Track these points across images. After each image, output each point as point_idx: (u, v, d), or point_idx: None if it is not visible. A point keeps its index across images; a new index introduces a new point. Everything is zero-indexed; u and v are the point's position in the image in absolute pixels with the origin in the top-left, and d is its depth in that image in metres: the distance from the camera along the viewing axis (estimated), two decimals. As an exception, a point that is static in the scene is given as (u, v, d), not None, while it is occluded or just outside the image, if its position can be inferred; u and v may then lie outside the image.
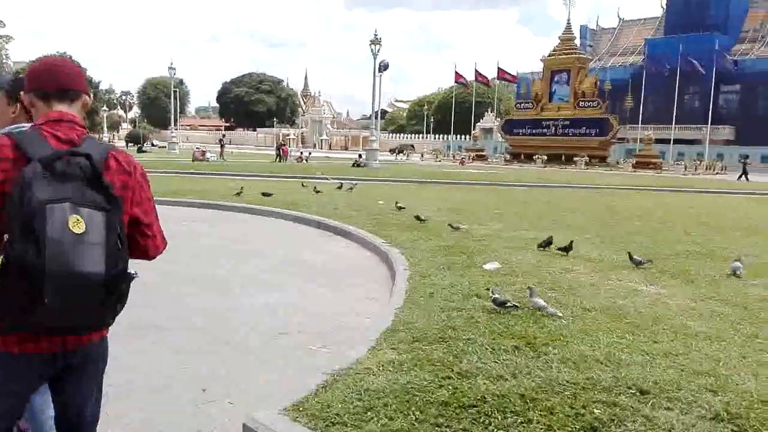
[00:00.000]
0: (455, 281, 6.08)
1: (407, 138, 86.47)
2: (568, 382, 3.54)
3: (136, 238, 1.95)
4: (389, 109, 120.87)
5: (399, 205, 12.50)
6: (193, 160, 32.77)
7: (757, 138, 59.22)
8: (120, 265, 1.75)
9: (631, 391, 3.46)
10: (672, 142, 55.39)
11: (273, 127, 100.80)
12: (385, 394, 3.32)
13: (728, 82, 63.01)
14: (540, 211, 13.33)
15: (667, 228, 11.05)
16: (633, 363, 3.90)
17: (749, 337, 4.61)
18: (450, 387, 3.43)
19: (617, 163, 51.33)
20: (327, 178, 23.29)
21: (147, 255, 2.00)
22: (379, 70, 34.57)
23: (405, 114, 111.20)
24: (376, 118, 36.06)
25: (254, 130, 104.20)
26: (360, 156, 33.91)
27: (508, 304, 5.00)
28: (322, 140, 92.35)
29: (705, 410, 3.26)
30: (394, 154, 60.30)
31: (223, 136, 46.69)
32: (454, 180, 24.34)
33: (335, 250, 8.93)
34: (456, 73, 67.37)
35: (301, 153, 40.74)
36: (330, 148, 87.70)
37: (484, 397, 3.29)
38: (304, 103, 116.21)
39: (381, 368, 3.72)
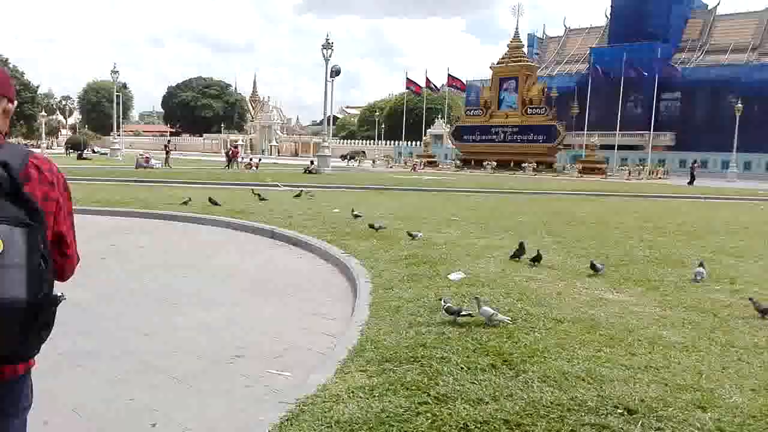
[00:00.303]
0: (420, 293, 5.81)
1: (358, 144, 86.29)
2: (552, 403, 3.31)
3: (55, 257, 1.68)
4: (340, 115, 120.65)
5: (355, 212, 12.20)
6: (136, 167, 31.65)
7: (695, 144, 61.68)
8: (45, 288, 1.52)
9: (618, 410, 3.25)
10: (616, 148, 56.86)
11: (221, 132, 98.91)
12: (358, 426, 3.01)
13: (669, 90, 65.12)
14: (495, 218, 13.24)
15: (622, 233, 11.09)
16: (615, 379, 3.70)
17: (724, 346, 4.50)
18: (428, 414, 3.14)
19: (564, 168, 52.35)
20: (278, 186, 22.80)
21: (62, 277, 1.75)
22: (331, 76, 34.26)
23: (356, 120, 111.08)
24: (328, 123, 35.68)
25: (201, 136, 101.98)
26: (312, 162, 33.44)
27: (463, 312, 4.84)
28: (271, 146, 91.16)
29: (698, 429, 3.07)
30: (346, 160, 59.95)
31: (169, 141, 45.23)
32: (409, 186, 24.19)
33: (290, 261, 8.54)
34: (407, 79, 67.45)
35: (251, 159, 39.84)
36: (279, 154, 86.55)
37: (467, 425, 3.02)
38: (253, 108, 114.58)
39: (351, 395, 3.40)
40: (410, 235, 9.29)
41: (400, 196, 19.26)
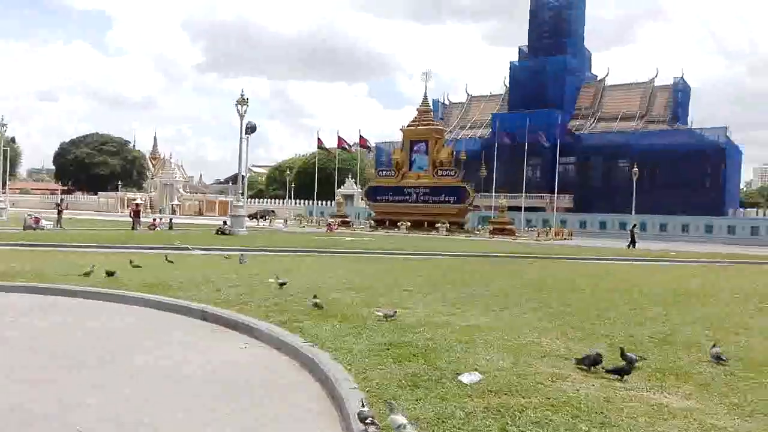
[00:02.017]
0: (440, 410, 4.34)
1: (267, 203, 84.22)
2: None
3: None
4: (247, 174, 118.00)
5: (280, 280, 10.65)
6: (24, 229, 28.13)
7: (592, 206, 64.79)
8: None
9: None
10: (523, 209, 58.32)
11: (118, 190, 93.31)
12: None
13: (566, 155, 68.09)
14: (450, 286, 11.94)
15: (600, 305, 10.00)
16: None
17: None
18: None
19: (474, 229, 52.77)
20: (189, 248, 20.68)
21: None
22: (246, 132, 32.61)
23: (263, 179, 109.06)
24: (242, 181, 33.77)
25: (95, 194, 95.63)
26: (224, 223, 31.19)
27: (368, 420, 4.06)
28: (173, 205, 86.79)
29: None
30: (256, 219, 57.64)
31: (62, 200, 41.15)
32: (336, 249, 22.64)
33: (236, 354, 6.76)
34: (318, 139, 67.14)
35: (155, 219, 36.70)
36: (176, 213, 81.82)
37: None
38: (153, 165, 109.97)
39: None
40: (385, 316, 7.74)
41: (334, 261, 17.68)
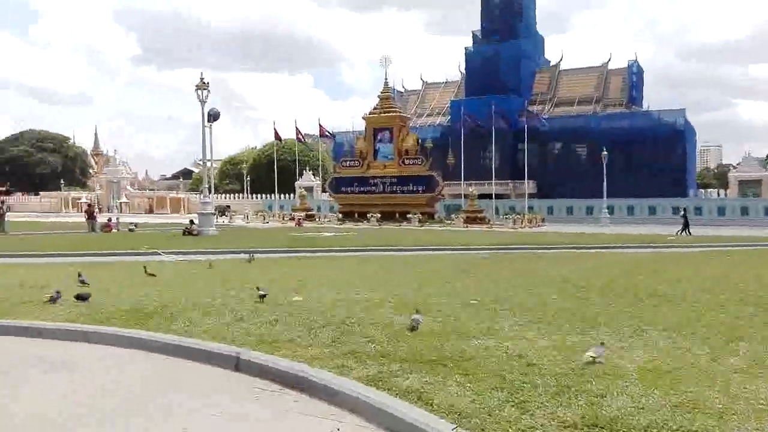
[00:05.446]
0: None
1: (221, 199, 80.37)
2: None
3: None
4: (195, 169, 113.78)
5: (261, 291, 8.59)
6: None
7: (553, 190, 63.98)
8: None
9: None
10: (494, 197, 56.66)
11: (60, 189, 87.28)
12: None
13: (527, 140, 67.00)
14: (519, 294, 9.56)
15: (732, 314, 7.85)
16: None
17: None
18: None
19: (446, 218, 50.81)
20: (159, 253, 17.80)
21: None
22: (209, 120, 29.46)
23: (215, 173, 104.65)
24: (209, 175, 30.64)
25: (36, 194, 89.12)
26: (191, 222, 28.02)
27: None
28: (121, 203, 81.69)
29: None
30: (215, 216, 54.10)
31: (3, 201, 36.62)
32: (327, 247, 19.97)
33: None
34: (275, 130, 63.96)
35: (110, 220, 32.84)
36: (121, 212, 76.12)
37: None
38: (96, 162, 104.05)
39: None
40: (593, 359, 5.14)
41: (342, 264, 14.94)
